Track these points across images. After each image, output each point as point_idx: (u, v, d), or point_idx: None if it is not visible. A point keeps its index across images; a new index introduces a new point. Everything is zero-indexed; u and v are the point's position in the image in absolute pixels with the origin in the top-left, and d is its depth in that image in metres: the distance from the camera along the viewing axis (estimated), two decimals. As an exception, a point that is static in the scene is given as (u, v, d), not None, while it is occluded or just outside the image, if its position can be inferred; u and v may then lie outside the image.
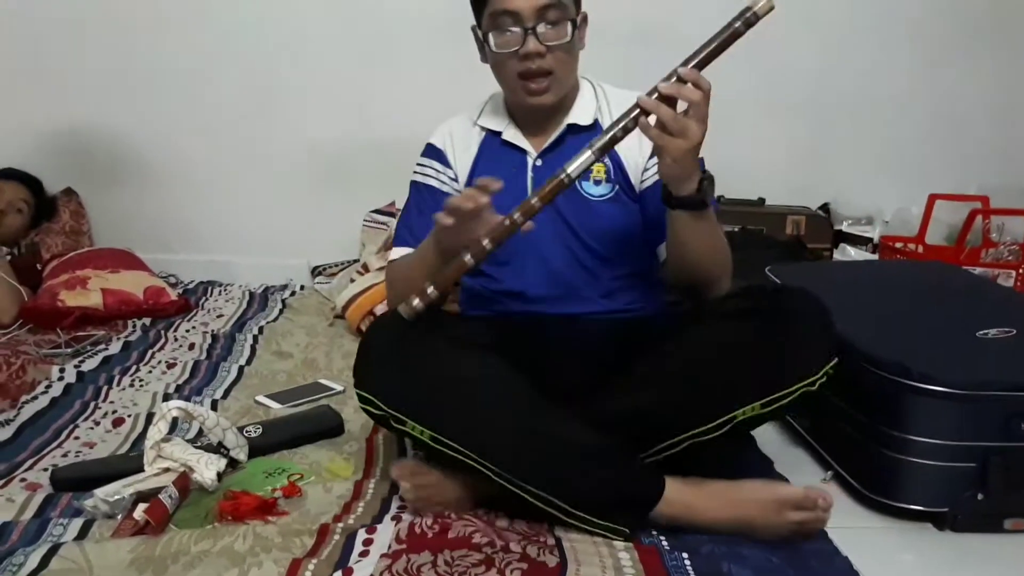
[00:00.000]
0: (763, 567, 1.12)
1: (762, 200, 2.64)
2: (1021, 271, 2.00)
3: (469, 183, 1.39)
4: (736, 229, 2.44)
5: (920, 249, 2.26)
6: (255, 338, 2.08)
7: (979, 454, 1.28)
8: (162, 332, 2.09)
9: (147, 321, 2.16)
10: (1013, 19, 2.67)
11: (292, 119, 2.67)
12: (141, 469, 1.28)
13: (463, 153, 1.43)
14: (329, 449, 1.46)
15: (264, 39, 2.61)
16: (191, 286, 2.57)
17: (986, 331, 1.40)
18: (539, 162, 1.39)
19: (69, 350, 1.93)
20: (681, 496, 1.17)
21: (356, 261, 2.55)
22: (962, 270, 1.88)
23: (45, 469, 1.35)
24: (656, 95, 1.15)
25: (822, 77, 2.69)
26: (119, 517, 1.18)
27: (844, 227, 2.60)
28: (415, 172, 1.47)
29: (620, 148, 1.29)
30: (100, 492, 1.21)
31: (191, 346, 2.00)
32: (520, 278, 1.40)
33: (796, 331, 1.19)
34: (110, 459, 1.40)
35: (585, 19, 1.36)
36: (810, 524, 1.18)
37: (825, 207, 2.69)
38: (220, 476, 1.30)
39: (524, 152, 1.40)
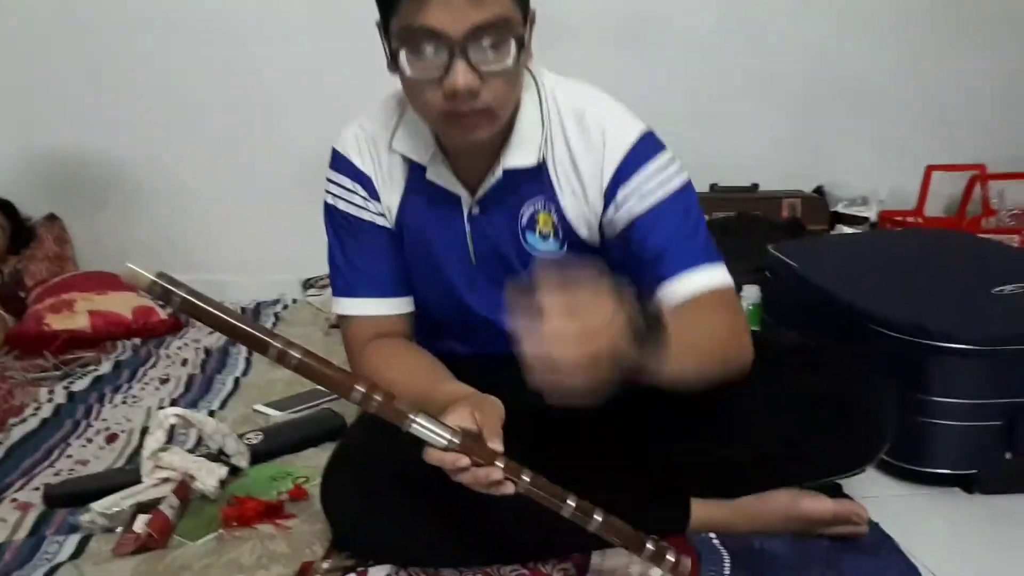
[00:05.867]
0: (792, 538, 1.09)
1: (755, 186, 2.61)
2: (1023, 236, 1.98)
3: (399, 232, 1.13)
4: (733, 215, 2.42)
5: (920, 221, 2.24)
6: (249, 352, 2.02)
7: (1006, 411, 1.25)
8: (153, 350, 2.03)
9: (137, 341, 2.10)
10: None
11: (276, 136, 2.62)
12: (138, 482, 1.23)
13: (389, 184, 1.11)
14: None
15: (247, 56, 2.56)
16: (181, 306, 2.51)
17: (1001, 288, 1.38)
18: (476, 210, 1.08)
19: (58, 372, 1.87)
20: (707, 516, 1.10)
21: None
22: (965, 234, 1.86)
23: (37, 488, 1.29)
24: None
25: (808, 62, 2.67)
26: (119, 531, 1.13)
27: (840, 208, 2.58)
28: (332, 194, 1.14)
29: (562, 199, 1.05)
30: (97, 505, 1.16)
31: (184, 362, 1.94)
32: (483, 347, 1.16)
33: (867, 422, 1.11)
34: (105, 473, 1.34)
35: (532, 19, 0.97)
36: (844, 536, 1.12)
37: (819, 190, 2.66)
38: (223, 483, 1.24)
39: (457, 196, 1.09)
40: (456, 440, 0.84)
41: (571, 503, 0.87)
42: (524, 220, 1.07)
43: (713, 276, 1.01)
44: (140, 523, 1.11)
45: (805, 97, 2.69)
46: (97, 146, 2.59)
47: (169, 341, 2.11)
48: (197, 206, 2.66)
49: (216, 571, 1.03)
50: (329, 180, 1.14)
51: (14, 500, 1.26)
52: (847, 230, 2.39)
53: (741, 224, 2.28)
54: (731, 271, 1.90)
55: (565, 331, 0.69)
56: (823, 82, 2.68)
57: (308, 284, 2.63)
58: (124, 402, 1.69)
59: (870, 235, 2.19)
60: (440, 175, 1.07)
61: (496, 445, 0.86)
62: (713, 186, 2.57)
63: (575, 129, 1.04)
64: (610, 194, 1.03)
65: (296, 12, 2.57)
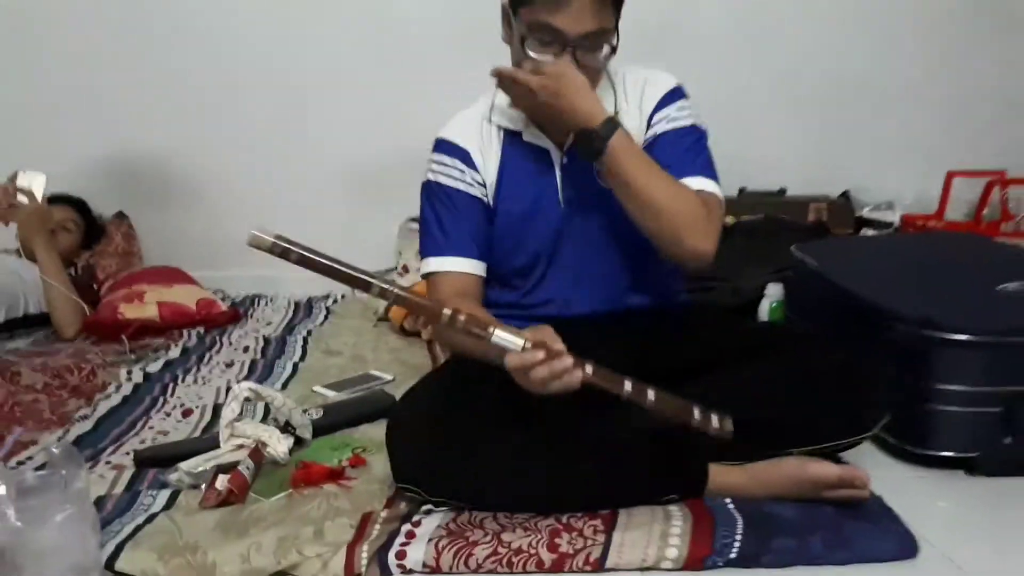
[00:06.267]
0: (803, 502, 1.19)
1: (783, 191, 2.71)
2: (1040, 240, 2.07)
3: (498, 190, 1.37)
4: (760, 218, 2.52)
5: (941, 225, 2.32)
6: (305, 340, 2.18)
7: (1005, 398, 1.34)
8: (217, 338, 2.20)
9: (201, 330, 2.27)
10: None
11: (328, 137, 2.79)
12: (216, 447, 1.38)
13: (487, 155, 1.37)
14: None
15: (299, 61, 2.73)
16: (238, 299, 2.68)
17: (1005, 285, 1.47)
18: (566, 159, 1.35)
19: (133, 355, 2.04)
20: (723, 480, 1.22)
21: (393, 269, 2.66)
22: (979, 237, 1.95)
23: (127, 453, 1.46)
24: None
25: (832, 67, 2.75)
26: (202, 488, 1.28)
27: (865, 213, 2.66)
28: (432, 171, 1.38)
29: (632, 130, 1.29)
30: (184, 465, 1.31)
31: (246, 348, 2.11)
32: (551, 285, 1.39)
33: (863, 392, 1.25)
34: (186, 441, 1.50)
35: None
36: (848, 501, 1.22)
37: (846, 195, 2.75)
38: (289, 452, 1.39)
39: (548, 151, 1.36)
40: (529, 344, 1.04)
41: (628, 385, 1.06)
42: None
43: (705, 184, 1.30)
44: (221, 481, 1.25)
45: (831, 103, 2.77)
46: (161, 150, 2.78)
47: (231, 331, 2.28)
48: (252, 205, 2.80)
49: (289, 522, 1.17)
50: (431, 161, 1.40)
51: (108, 462, 1.42)
52: (872, 234, 2.48)
53: (768, 227, 2.38)
54: (757, 271, 2.03)
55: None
56: (848, 89, 2.76)
57: (356, 280, 2.79)
58: (195, 382, 1.86)
59: (887, 237, 2.29)
60: (535, 136, 1.36)
61: (559, 346, 1.04)
62: (742, 190, 2.66)
63: (634, 91, 1.37)
64: (651, 118, 1.35)
65: (345, 33, 2.73)
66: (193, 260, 2.71)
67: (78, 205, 2.60)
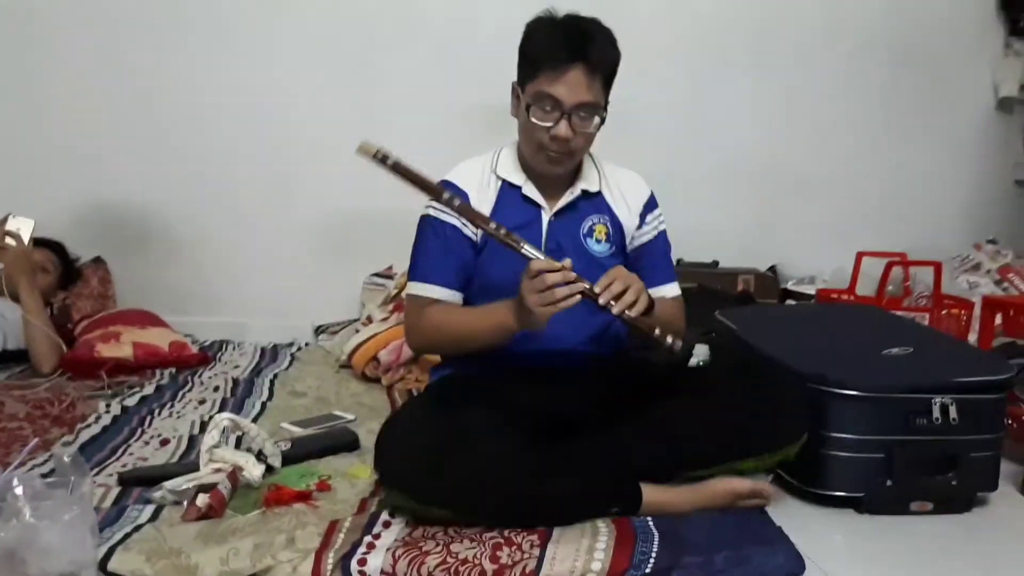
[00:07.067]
0: (711, 525, 1.40)
1: (716, 263, 2.97)
2: (936, 314, 2.34)
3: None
4: (694, 287, 2.77)
5: (851, 299, 2.59)
6: (271, 382, 2.34)
7: (886, 446, 1.55)
8: (189, 378, 2.34)
9: (173, 371, 2.41)
10: (923, 105, 3.14)
11: (299, 194, 2.97)
12: (195, 471, 1.53)
13: (484, 199, 1.55)
14: (348, 458, 1.71)
15: (276, 123, 2.95)
16: (207, 344, 2.82)
17: (890, 349, 1.71)
18: (553, 218, 1.57)
19: (109, 391, 2.17)
20: (655, 498, 1.43)
21: (356, 320, 2.84)
22: (877, 309, 2.21)
23: (110, 475, 1.59)
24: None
25: (764, 156, 3.09)
26: (184, 504, 1.43)
27: (789, 285, 2.93)
28: (432, 207, 1.54)
29: (619, 214, 1.61)
30: (167, 484, 1.46)
31: (216, 388, 2.25)
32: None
33: (784, 407, 1.51)
34: (166, 465, 1.65)
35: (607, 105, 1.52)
36: (756, 506, 1.48)
37: (773, 268, 3.02)
38: (262, 477, 1.54)
39: (540, 207, 1.57)
40: (547, 257, 1.35)
41: (614, 303, 1.37)
42: (585, 228, 1.60)
43: (676, 288, 1.66)
44: (202, 498, 1.40)
45: (762, 188, 3.10)
46: (140, 200, 2.95)
47: (201, 371, 2.42)
48: (223, 256, 3.00)
49: (263, 532, 1.32)
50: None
51: (94, 482, 1.55)
52: (792, 303, 2.74)
53: (700, 295, 2.62)
54: (690, 334, 2.32)
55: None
56: (778, 176, 3.11)
57: (320, 330, 2.95)
58: (170, 416, 1.99)
59: (799, 307, 2.55)
60: (532, 191, 1.57)
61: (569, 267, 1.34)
62: (679, 261, 2.91)
63: (615, 175, 1.65)
64: (643, 215, 1.64)
65: (321, 101, 2.96)
66: (164, 306, 2.84)
67: (56, 248, 2.74)
